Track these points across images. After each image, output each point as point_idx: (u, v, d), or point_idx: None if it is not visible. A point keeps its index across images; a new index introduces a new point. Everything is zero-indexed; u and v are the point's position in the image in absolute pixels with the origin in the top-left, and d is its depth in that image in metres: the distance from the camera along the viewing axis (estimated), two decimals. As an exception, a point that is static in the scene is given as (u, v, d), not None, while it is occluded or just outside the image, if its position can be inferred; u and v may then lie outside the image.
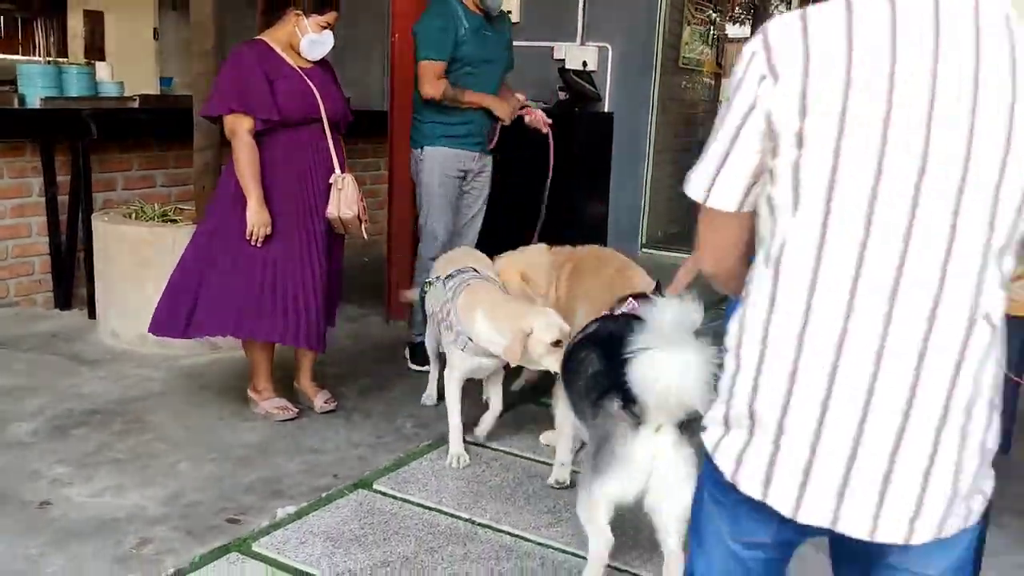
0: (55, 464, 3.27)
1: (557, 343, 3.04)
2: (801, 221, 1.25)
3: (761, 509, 1.34)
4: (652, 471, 2.36)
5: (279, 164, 3.59)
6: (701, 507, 1.51)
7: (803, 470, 1.29)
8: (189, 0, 4.61)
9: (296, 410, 3.79)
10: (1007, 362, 2.39)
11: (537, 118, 4.45)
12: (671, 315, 1.85)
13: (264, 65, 3.53)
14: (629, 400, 2.27)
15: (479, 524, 2.97)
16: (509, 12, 4.53)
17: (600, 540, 2.49)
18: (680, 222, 8.41)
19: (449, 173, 4.30)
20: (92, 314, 4.92)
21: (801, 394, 1.28)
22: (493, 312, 3.24)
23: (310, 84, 3.62)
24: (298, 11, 3.56)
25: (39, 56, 8.97)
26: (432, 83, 4.13)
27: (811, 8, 1.23)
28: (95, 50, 8.91)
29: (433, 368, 4.01)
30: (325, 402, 3.88)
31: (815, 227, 1.24)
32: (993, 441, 1.34)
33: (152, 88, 8.46)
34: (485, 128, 4.31)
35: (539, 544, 2.87)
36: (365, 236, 3.91)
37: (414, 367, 4.41)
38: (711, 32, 8.80)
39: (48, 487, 3.10)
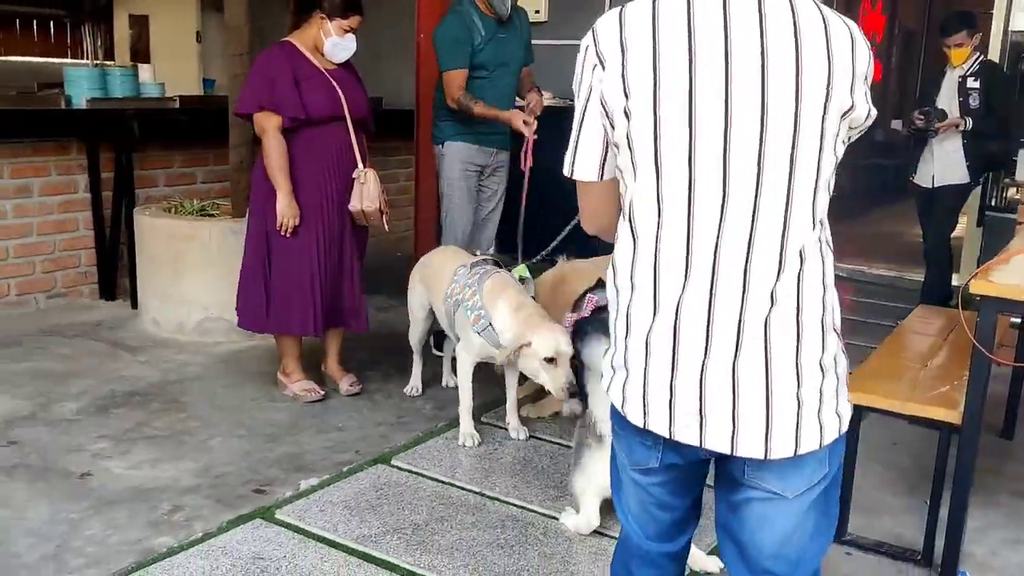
0: (96, 439, 3.50)
1: (551, 360, 3.13)
2: (641, 183, 1.45)
3: (646, 436, 1.53)
4: None
5: (306, 159, 3.79)
6: (613, 445, 1.69)
7: (668, 396, 1.47)
8: (224, 5, 4.84)
9: (322, 392, 3.99)
10: (991, 345, 2.53)
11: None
12: None
13: (291, 65, 3.74)
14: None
15: (488, 497, 3.14)
16: (523, 9, 4.56)
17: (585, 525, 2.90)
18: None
19: (468, 167, 4.47)
20: (135, 304, 5.18)
21: (659, 330, 1.46)
22: (515, 310, 3.33)
23: (334, 84, 3.81)
24: (323, 15, 3.75)
25: (87, 59, 9.29)
26: (449, 93, 4.31)
27: (628, 4, 1.45)
28: (140, 53, 9.22)
29: (417, 363, 4.13)
30: (350, 385, 4.08)
31: (651, 186, 1.44)
32: (839, 365, 1.51)
33: (196, 89, 8.73)
34: (502, 126, 4.40)
35: (543, 515, 3.03)
36: (386, 227, 4.10)
37: (436, 352, 4.58)
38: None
39: (89, 460, 3.33)
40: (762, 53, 1.38)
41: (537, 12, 7.54)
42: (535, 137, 4.25)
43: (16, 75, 8.72)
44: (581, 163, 1.54)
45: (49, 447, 3.41)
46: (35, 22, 9.08)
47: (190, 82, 9.02)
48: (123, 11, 9.07)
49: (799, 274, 1.44)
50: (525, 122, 4.22)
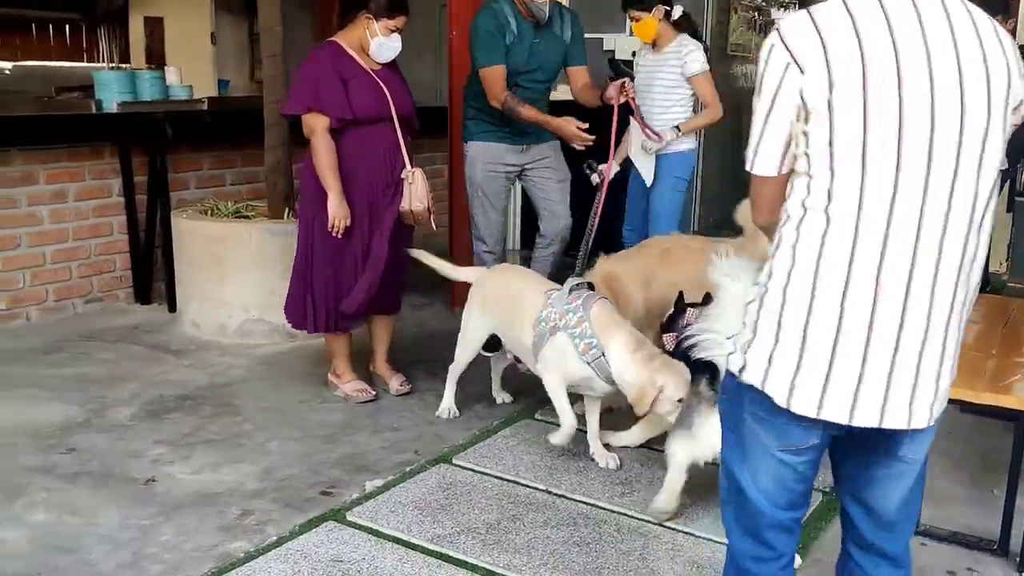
0: (154, 445, 3.49)
1: (680, 400, 3.00)
2: (842, 171, 1.51)
3: (804, 418, 1.60)
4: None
5: (355, 159, 3.77)
6: (741, 427, 1.73)
7: (855, 383, 1.56)
8: (257, 6, 4.82)
9: (374, 392, 3.98)
10: None
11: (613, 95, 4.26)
12: None
13: (338, 66, 3.72)
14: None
15: (555, 494, 3.13)
16: (572, 12, 4.44)
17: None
18: (731, 208, 8.48)
19: (492, 168, 4.40)
20: (172, 307, 5.17)
21: (852, 317, 1.53)
22: (633, 351, 3.12)
23: (381, 84, 3.79)
24: (369, 16, 3.72)
25: (103, 62, 9.27)
26: (496, 91, 4.18)
27: (814, 5, 1.54)
28: (156, 55, 9.20)
29: (451, 386, 3.85)
30: (400, 384, 4.07)
31: (855, 175, 1.50)
32: (957, 349, 1.65)
33: (211, 90, 8.72)
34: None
35: (613, 512, 3.02)
36: (434, 227, 4.10)
37: (484, 353, 4.52)
38: (758, 18, 8.84)
39: (151, 465, 3.32)
40: (955, 49, 1.50)
41: (572, 12, 7.52)
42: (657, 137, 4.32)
43: (33, 80, 8.74)
44: (763, 158, 1.62)
45: (108, 453, 3.40)
46: (51, 26, 9.05)
47: (205, 83, 9.01)
48: (138, 14, 9.06)
49: (974, 260, 1.59)
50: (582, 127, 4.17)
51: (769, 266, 1.63)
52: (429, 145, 7.46)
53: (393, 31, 3.77)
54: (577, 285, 3.33)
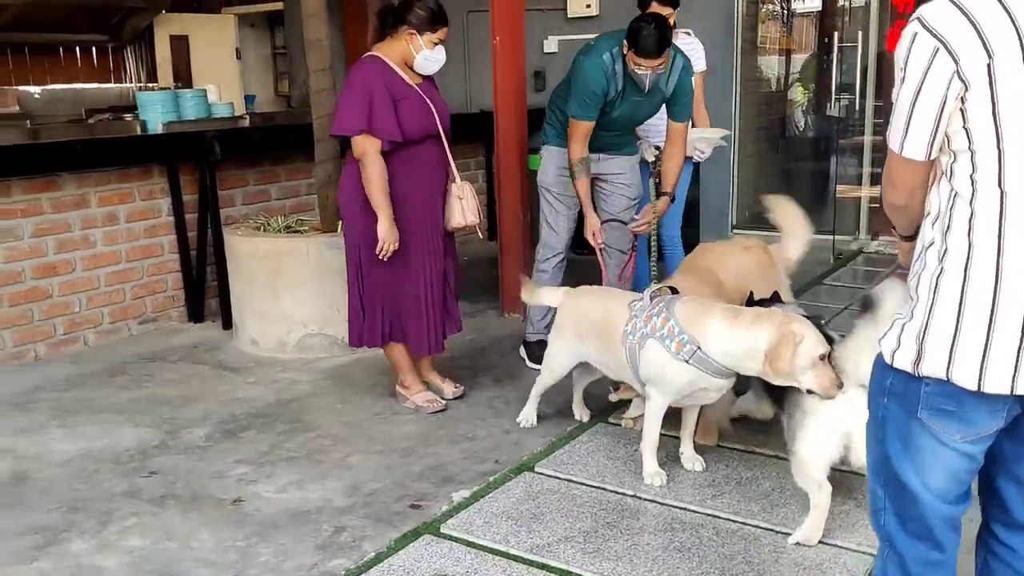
0: (235, 464, 3.49)
1: (823, 358, 2.76)
2: (1011, 145, 1.53)
3: (996, 401, 1.60)
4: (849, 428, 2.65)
5: (406, 177, 3.75)
6: (910, 426, 1.70)
7: (1016, 353, 1.55)
8: (285, 21, 4.83)
9: (444, 402, 3.97)
10: None
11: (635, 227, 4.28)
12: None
13: (389, 85, 3.67)
14: None
15: (645, 499, 3.11)
16: (680, 55, 4.10)
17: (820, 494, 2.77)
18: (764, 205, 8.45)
19: (563, 173, 4.35)
20: (227, 325, 5.18)
21: (1010, 286, 1.55)
22: (733, 319, 2.96)
23: (428, 102, 3.78)
24: (412, 30, 3.68)
25: (131, 83, 9.31)
26: (576, 146, 4.10)
27: None
28: (182, 73, 9.23)
29: (533, 400, 3.78)
30: (455, 388, 4.09)
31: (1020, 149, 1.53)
32: None
33: (239, 106, 8.74)
34: (616, 137, 4.28)
35: (708, 515, 3.00)
36: (481, 235, 4.12)
37: (532, 366, 4.41)
38: (785, 9, 8.81)
39: (236, 485, 3.32)
40: None
41: (588, 6, 7.52)
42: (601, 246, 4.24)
43: (62, 103, 8.78)
44: (912, 142, 1.62)
45: (191, 475, 3.40)
46: (78, 49, 9.09)
47: (232, 99, 9.03)
48: (164, 33, 9.08)
49: None
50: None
51: (936, 250, 1.62)
52: (464, 152, 7.50)
53: (437, 43, 3.74)
54: (659, 290, 3.29)
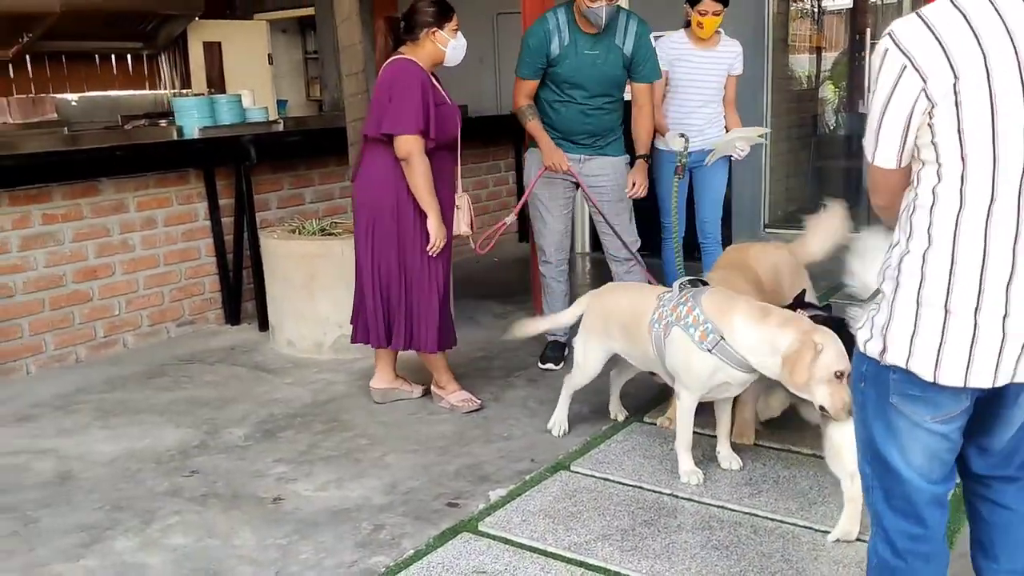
0: (274, 464, 3.54)
1: (840, 376, 2.73)
2: (974, 158, 1.61)
3: (960, 390, 1.70)
4: None
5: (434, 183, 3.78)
6: (886, 409, 1.79)
7: (998, 349, 1.65)
8: (316, 27, 4.88)
9: (479, 401, 4.00)
10: None
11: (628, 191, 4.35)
12: None
13: (430, 89, 3.72)
14: None
15: (682, 498, 3.11)
16: (640, 21, 4.22)
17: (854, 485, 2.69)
18: (798, 201, 8.40)
19: (548, 175, 4.27)
20: (263, 327, 5.24)
21: (992, 288, 1.64)
22: (761, 317, 2.95)
23: (455, 107, 3.83)
24: (432, 28, 3.73)
25: (165, 89, 9.44)
26: (514, 99, 4.29)
27: (924, 8, 1.64)
28: (215, 79, 9.33)
29: (564, 403, 3.72)
30: (423, 390, 4.19)
31: (987, 159, 1.60)
32: None
33: (272, 111, 8.83)
34: (601, 132, 4.28)
35: (745, 513, 2.99)
36: (474, 245, 4.17)
37: (542, 366, 4.49)
38: (816, 6, 8.76)
39: (275, 484, 3.36)
40: None
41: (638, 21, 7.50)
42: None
43: (99, 110, 8.92)
44: (883, 152, 1.72)
45: (231, 474, 3.45)
46: (113, 57, 9.22)
47: (265, 104, 9.13)
48: (197, 39, 9.19)
49: None
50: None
51: (899, 251, 1.73)
52: (495, 153, 7.53)
53: (456, 30, 3.80)
54: (688, 282, 3.27)
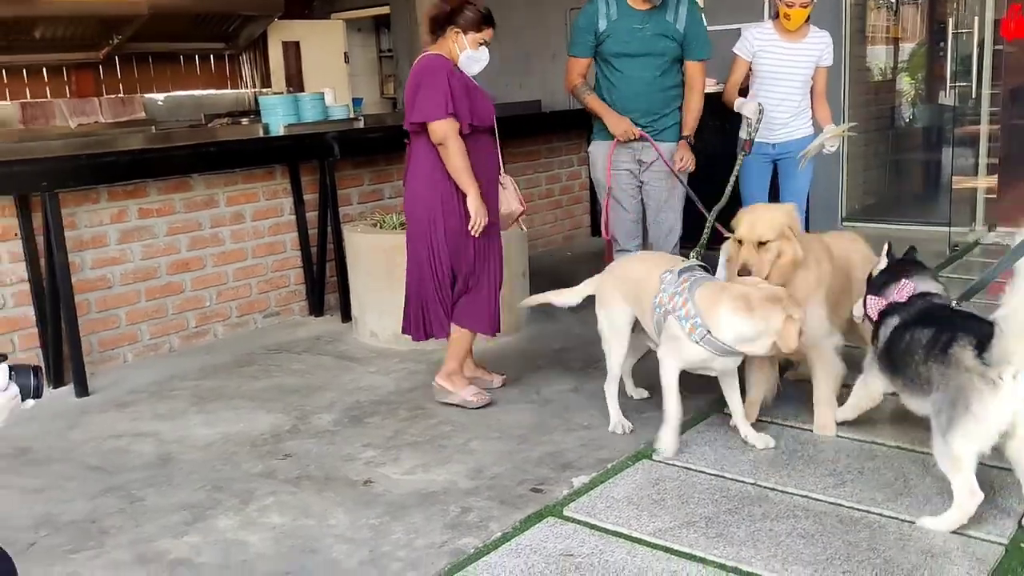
0: (363, 448, 3.65)
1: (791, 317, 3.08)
2: None
3: None
4: (1014, 417, 2.60)
5: (473, 168, 3.85)
6: None
7: None
8: (411, 25, 5.00)
9: (488, 396, 4.07)
10: None
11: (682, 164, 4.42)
12: None
13: (458, 76, 3.81)
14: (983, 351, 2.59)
15: (766, 488, 3.13)
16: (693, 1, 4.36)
17: (968, 495, 2.71)
18: (876, 194, 8.28)
19: (611, 167, 4.41)
20: (346, 318, 5.39)
21: None
22: (737, 309, 3.15)
23: (488, 95, 3.95)
24: (458, 29, 3.80)
25: (246, 88, 9.71)
26: (567, 78, 4.42)
27: None
28: (294, 78, 9.57)
29: (612, 397, 3.77)
30: (503, 377, 4.28)
31: None
32: None
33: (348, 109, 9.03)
34: (656, 119, 4.36)
35: (831, 503, 3.00)
36: (523, 228, 4.33)
37: None
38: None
39: (364, 468, 3.48)
40: None
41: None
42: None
43: (184, 109, 9.23)
44: None
45: (323, 458, 3.58)
46: (197, 57, 9.52)
47: (342, 102, 9.34)
48: (276, 39, 9.43)
49: None
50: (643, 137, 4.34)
51: None
52: (568, 149, 7.58)
53: (482, 44, 3.85)
54: (688, 268, 3.41)
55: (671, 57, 4.37)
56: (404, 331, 4.16)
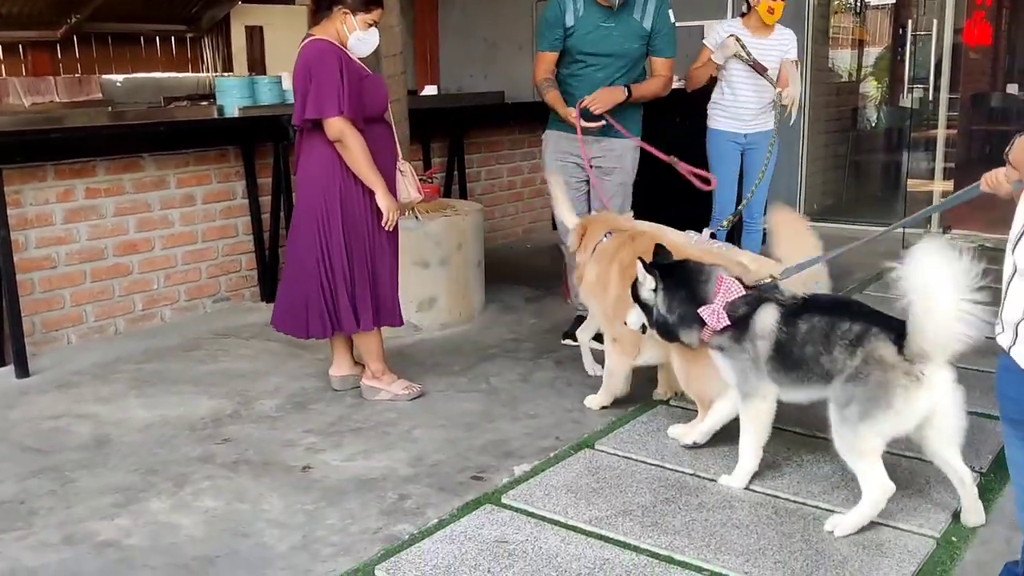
0: (304, 434, 3.61)
1: None
2: None
3: None
4: (931, 410, 2.61)
5: (372, 157, 3.70)
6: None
7: None
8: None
9: (419, 387, 4.00)
10: None
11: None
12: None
13: (348, 64, 3.63)
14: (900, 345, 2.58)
15: (704, 478, 3.14)
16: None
17: (881, 489, 2.71)
18: (834, 194, 8.36)
19: (562, 157, 4.40)
20: (297, 304, 5.31)
21: None
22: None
23: (380, 77, 3.84)
24: (345, 10, 3.63)
25: (208, 72, 9.59)
26: (536, 72, 4.40)
27: None
28: (257, 62, 9.47)
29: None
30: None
31: None
32: None
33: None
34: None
35: (767, 495, 3.01)
36: (419, 217, 4.22)
37: (565, 341, 4.61)
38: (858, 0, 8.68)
39: (305, 453, 3.43)
40: None
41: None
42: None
43: (143, 91, 9.08)
44: None
45: (263, 443, 3.53)
46: (158, 39, 9.39)
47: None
48: (240, 23, 9.33)
49: None
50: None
51: None
52: (528, 140, 7.55)
53: (371, 25, 3.70)
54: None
55: (636, 58, 4.39)
56: (276, 326, 3.98)
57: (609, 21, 4.23)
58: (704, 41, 5.07)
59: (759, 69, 4.84)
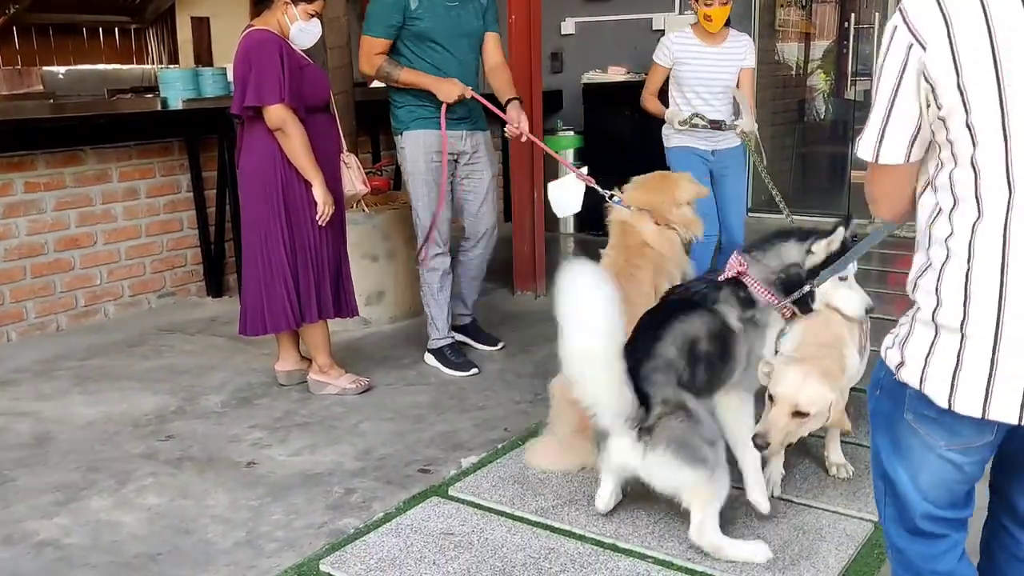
0: (249, 429, 3.58)
1: None
2: (985, 155, 1.42)
3: (980, 421, 1.50)
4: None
5: (313, 149, 3.67)
6: (898, 426, 1.63)
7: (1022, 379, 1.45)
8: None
9: (367, 381, 3.98)
10: None
11: (513, 132, 4.01)
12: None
13: (289, 55, 3.59)
14: None
15: (650, 466, 3.17)
16: None
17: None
18: (782, 185, 8.46)
19: (434, 157, 4.01)
20: (244, 299, 5.26)
21: (1013, 310, 1.43)
22: None
23: (322, 69, 3.81)
24: (287, 0, 3.58)
25: (153, 64, 9.43)
26: (366, 61, 3.94)
27: None
28: (203, 54, 9.32)
29: None
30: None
31: (999, 158, 1.41)
32: None
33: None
34: (473, 105, 4.06)
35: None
36: (366, 209, 4.25)
37: (453, 373, 4.18)
38: (803, -6, 8.79)
39: (250, 449, 3.40)
40: None
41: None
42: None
43: (86, 83, 8.91)
44: (889, 147, 1.52)
45: (207, 439, 3.49)
46: (101, 30, 9.20)
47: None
48: (185, 15, 9.18)
49: None
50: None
51: (920, 263, 1.56)
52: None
53: (312, 15, 3.66)
54: None
55: (481, 34, 4.11)
56: (240, 330, 3.91)
57: (453, 1, 3.95)
58: (654, 57, 4.67)
59: (715, 127, 4.48)
